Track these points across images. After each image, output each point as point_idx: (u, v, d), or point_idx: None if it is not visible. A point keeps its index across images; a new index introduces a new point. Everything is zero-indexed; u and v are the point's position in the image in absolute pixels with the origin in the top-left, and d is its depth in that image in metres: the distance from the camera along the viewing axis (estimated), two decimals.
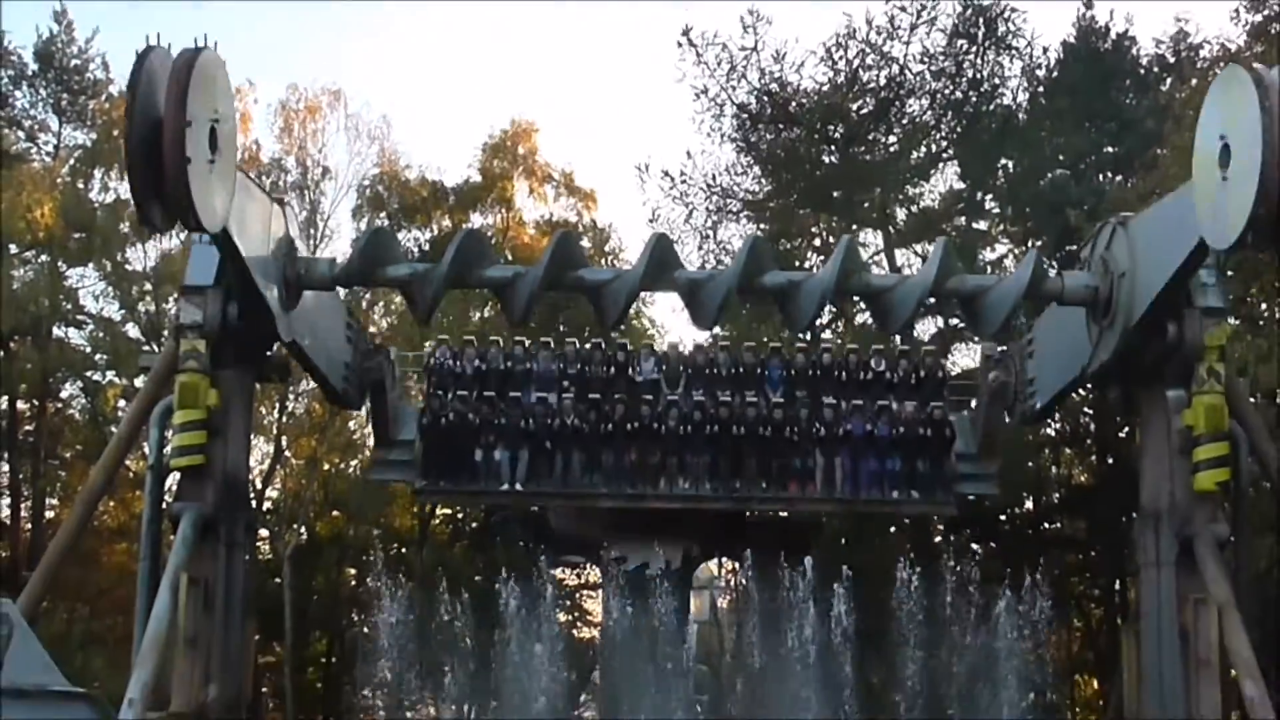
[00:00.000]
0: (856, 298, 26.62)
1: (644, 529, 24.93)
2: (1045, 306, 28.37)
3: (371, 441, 42.97)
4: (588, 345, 25.51)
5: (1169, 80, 35.09)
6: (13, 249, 37.23)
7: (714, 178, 38.49)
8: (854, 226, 38.11)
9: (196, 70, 14.20)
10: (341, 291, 22.56)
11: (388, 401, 23.04)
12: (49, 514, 38.85)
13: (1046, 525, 37.25)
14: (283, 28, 76.67)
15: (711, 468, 23.24)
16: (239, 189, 16.20)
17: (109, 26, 65.94)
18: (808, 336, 27.86)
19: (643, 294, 31.78)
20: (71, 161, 39.80)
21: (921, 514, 25.25)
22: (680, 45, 36.88)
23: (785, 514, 39.27)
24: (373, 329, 40.85)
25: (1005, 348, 23.06)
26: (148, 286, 38.88)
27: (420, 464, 23.56)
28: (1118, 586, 34.03)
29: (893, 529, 36.04)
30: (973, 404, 24.98)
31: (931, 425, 23.07)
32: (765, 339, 30.55)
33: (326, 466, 40.44)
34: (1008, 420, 23.59)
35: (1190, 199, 15.59)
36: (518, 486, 23.25)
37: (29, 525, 38.39)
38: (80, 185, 38.97)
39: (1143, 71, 35.83)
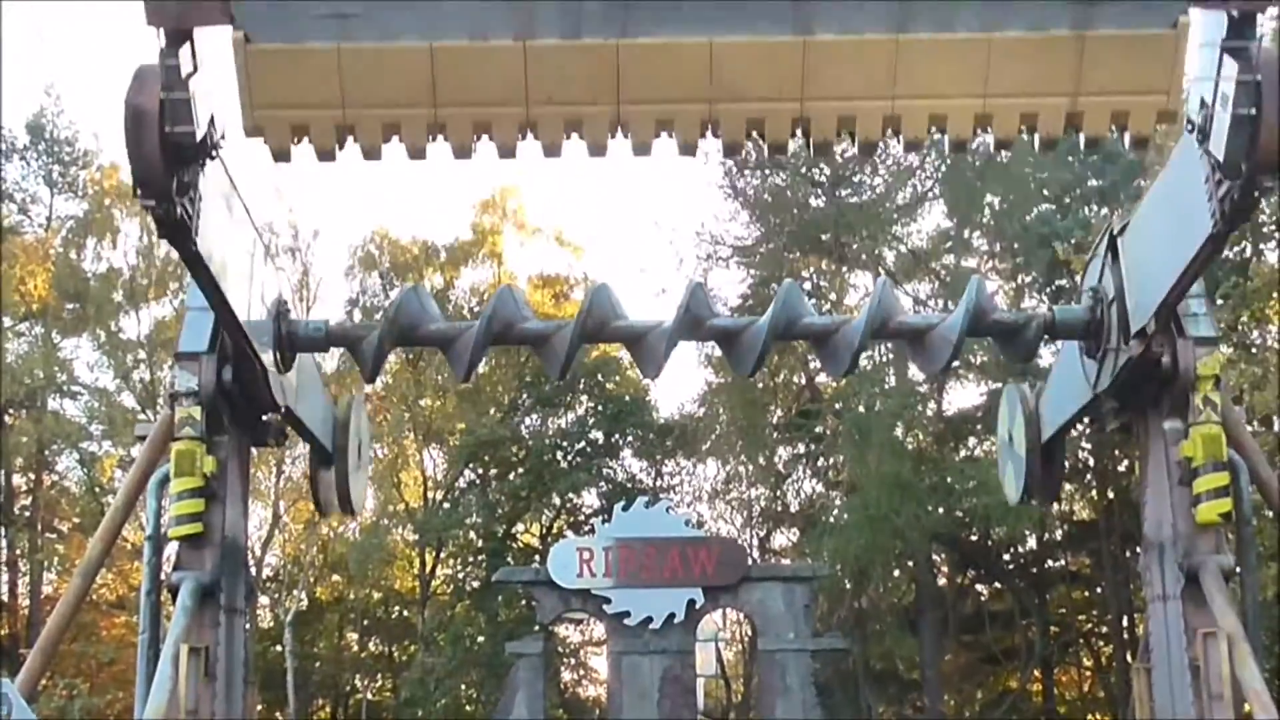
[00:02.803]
0: (896, 339, 26.34)
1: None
2: (1035, 342, 28.02)
3: (370, 502, 42.94)
4: None
5: None
6: (6, 322, 37.28)
7: (702, 225, 38.66)
8: (843, 268, 38.23)
9: None
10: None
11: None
12: (47, 589, 38.61)
13: (1051, 562, 37.14)
14: None
15: None
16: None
17: (99, 97, 66.65)
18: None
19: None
20: (64, 232, 39.97)
21: None
22: None
23: (787, 561, 39.36)
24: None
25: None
26: (142, 354, 38.91)
27: None
28: (1125, 622, 33.86)
29: (897, 571, 35.95)
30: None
31: None
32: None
33: (325, 530, 40.30)
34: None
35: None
36: None
37: (27, 601, 38.18)
38: (73, 255, 39.10)
39: None
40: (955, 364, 34.21)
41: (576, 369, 38.33)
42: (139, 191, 10.92)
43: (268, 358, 18.57)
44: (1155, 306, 16.42)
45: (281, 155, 11.33)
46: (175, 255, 39.92)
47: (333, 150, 11.18)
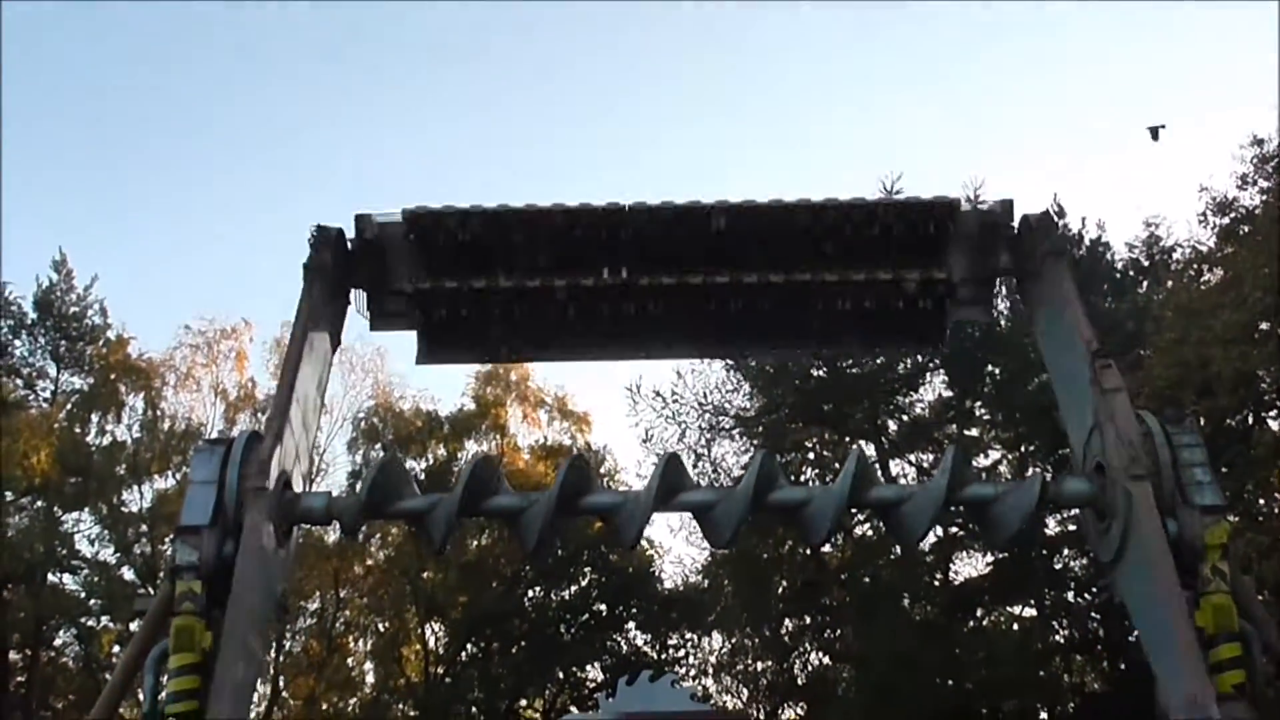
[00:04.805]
0: (872, 511, 26.07)
1: None
2: (1028, 519, 28.02)
3: (371, 678, 42.31)
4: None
5: (1145, 283, 35.78)
6: (8, 495, 37.17)
7: (705, 396, 38.80)
8: (846, 438, 38.24)
9: None
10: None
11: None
12: None
13: None
14: (277, 265, 78.28)
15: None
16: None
17: (107, 273, 67.66)
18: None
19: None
20: (69, 406, 40.10)
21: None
22: None
23: None
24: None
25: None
26: (143, 528, 38.71)
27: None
28: None
29: None
30: None
31: (932, 298, 19.47)
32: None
33: (325, 706, 39.60)
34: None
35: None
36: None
37: None
38: (77, 429, 39.16)
39: (1119, 276, 36.54)
40: (960, 534, 34.24)
41: (579, 541, 38.20)
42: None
43: (268, 530, 18.47)
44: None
45: None
46: (179, 429, 40.14)
47: None
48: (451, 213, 16.56)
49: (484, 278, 16.69)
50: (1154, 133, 32.57)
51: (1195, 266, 30.27)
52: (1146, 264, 36.00)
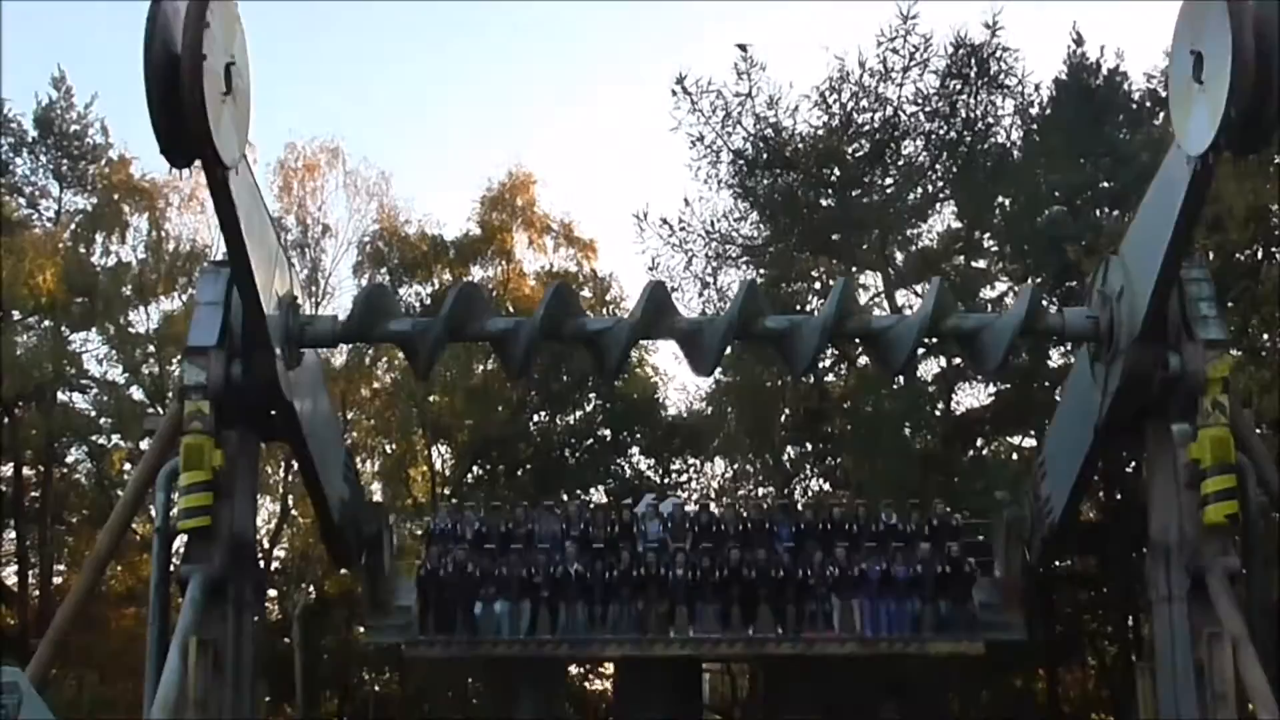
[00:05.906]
0: (855, 340, 26.27)
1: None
2: (1047, 344, 28.38)
3: (379, 497, 43.00)
4: (590, 506, 25.55)
5: (1161, 114, 35.22)
6: (15, 315, 37.33)
7: (712, 224, 38.54)
8: (853, 269, 38.14)
9: (211, 10, 14.38)
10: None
11: (384, 566, 22.71)
12: (56, 580, 38.77)
13: (1056, 562, 37.06)
14: (280, 85, 77.13)
15: (723, 615, 21.77)
16: (256, 208, 16.45)
17: (108, 91, 66.65)
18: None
19: (643, 342, 31.79)
20: (73, 226, 40.00)
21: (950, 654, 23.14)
22: (675, 93, 36.87)
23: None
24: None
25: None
26: (151, 349, 38.97)
27: (417, 619, 22.07)
28: (1131, 623, 33.81)
29: None
30: (992, 547, 24.69)
31: (950, 563, 22.46)
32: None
33: None
34: (1028, 558, 23.49)
35: (1167, 187, 15.97)
36: (518, 638, 21.70)
37: (36, 592, 38.28)
38: (82, 250, 39.13)
39: (1135, 106, 35.98)
40: (963, 364, 34.37)
41: (584, 369, 38.45)
42: None
43: (275, 350, 18.60)
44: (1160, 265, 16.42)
45: None
46: (184, 250, 40.15)
47: None
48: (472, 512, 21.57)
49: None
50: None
51: None
52: (1164, 94, 35.38)
